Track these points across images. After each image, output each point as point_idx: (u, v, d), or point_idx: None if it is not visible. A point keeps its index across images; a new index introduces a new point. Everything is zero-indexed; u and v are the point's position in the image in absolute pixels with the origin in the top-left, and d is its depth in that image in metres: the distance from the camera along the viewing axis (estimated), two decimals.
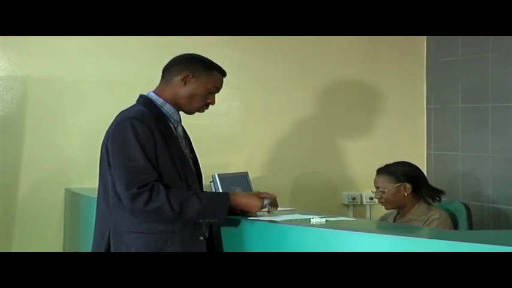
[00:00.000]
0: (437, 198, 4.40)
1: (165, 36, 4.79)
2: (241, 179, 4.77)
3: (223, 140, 5.18)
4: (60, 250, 4.99)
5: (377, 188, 4.42)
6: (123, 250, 3.34)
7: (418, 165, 4.52)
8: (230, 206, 3.41)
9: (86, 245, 4.65)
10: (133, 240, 3.34)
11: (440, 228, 4.20)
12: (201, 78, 3.47)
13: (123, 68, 5.09)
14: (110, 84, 5.05)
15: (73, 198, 4.95)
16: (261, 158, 5.34)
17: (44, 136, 4.97)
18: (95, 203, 3.53)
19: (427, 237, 3.31)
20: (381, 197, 4.39)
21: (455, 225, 4.45)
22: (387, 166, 4.44)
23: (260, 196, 3.53)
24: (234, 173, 4.79)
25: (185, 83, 3.46)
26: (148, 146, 3.30)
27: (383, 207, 4.48)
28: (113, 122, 3.44)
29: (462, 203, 4.67)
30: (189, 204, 3.30)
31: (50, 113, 5.00)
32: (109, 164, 3.35)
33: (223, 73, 3.54)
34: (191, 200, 3.32)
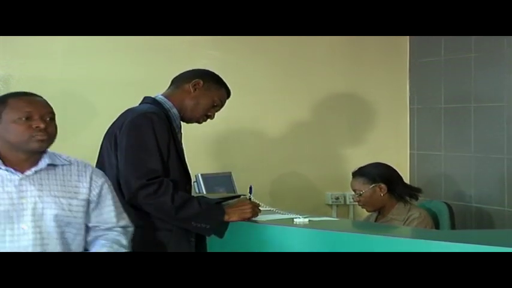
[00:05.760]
0: (415, 197, 4.42)
1: (148, 36, 4.78)
2: (224, 179, 4.78)
3: (207, 140, 5.17)
4: None
5: (354, 191, 4.44)
6: None
7: (400, 165, 4.53)
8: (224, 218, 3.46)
9: None
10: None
11: (421, 228, 4.21)
12: (209, 89, 3.60)
13: (106, 67, 5.07)
14: (93, 84, 5.02)
15: None
16: (245, 158, 5.33)
17: None
18: None
19: (410, 237, 3.33)
20: (359, 200, 4.41)
21: (437, 225, 4.47)
22: (360, 169, 4.46)
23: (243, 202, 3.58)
24: (217, 173, 4.79)
25: (194, 89, 3.58)
26: (163, 143, 3.39)
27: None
28: (121, 118, 3.47)
29: (444, 202, 4.69)
30: (189, 205, 3.37)
31: None
32: (116, 158, 3.37)
33: (229, 93, 3.68)
34: (192, 202, 3.39)
